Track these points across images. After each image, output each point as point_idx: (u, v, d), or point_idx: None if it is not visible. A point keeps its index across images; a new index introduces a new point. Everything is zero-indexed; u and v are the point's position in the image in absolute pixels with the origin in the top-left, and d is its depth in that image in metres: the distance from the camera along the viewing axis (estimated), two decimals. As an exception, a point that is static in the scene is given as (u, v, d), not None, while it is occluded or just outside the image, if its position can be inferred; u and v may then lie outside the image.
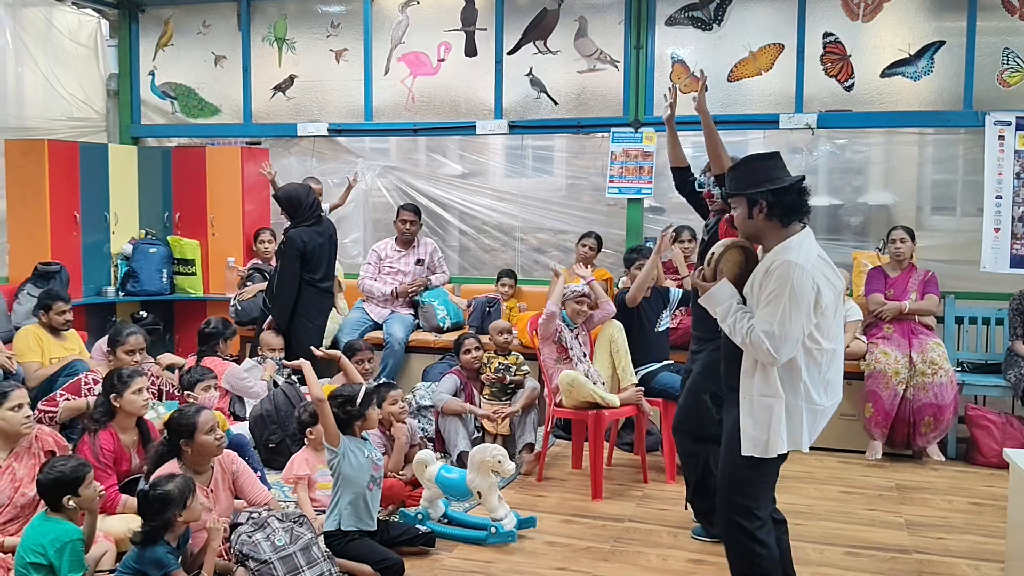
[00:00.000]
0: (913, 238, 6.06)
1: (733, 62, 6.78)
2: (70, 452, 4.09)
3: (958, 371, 5.90)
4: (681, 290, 5.76)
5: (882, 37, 6.52)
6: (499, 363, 5.71)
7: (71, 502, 3.39)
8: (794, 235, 3.16)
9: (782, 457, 3.21)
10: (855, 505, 4.93)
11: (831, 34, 6.58)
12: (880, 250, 6.38)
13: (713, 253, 3.28)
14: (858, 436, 5.86)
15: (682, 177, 4.76)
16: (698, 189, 4.57)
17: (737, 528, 3.28)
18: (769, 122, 6.67)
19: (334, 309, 6.64)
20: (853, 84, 6.58)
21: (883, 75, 6.53)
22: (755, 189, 3.18)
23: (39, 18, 7.51)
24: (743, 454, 3.19)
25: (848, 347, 5.86)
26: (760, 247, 3.29)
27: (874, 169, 6.85)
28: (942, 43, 6.39)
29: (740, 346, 3.16)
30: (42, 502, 3.62)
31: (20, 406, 3.86)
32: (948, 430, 5.77)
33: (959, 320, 6.26)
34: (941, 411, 5.65)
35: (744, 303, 3.21)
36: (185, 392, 5.02)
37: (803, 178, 3.23)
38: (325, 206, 6.81)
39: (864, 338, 5.95)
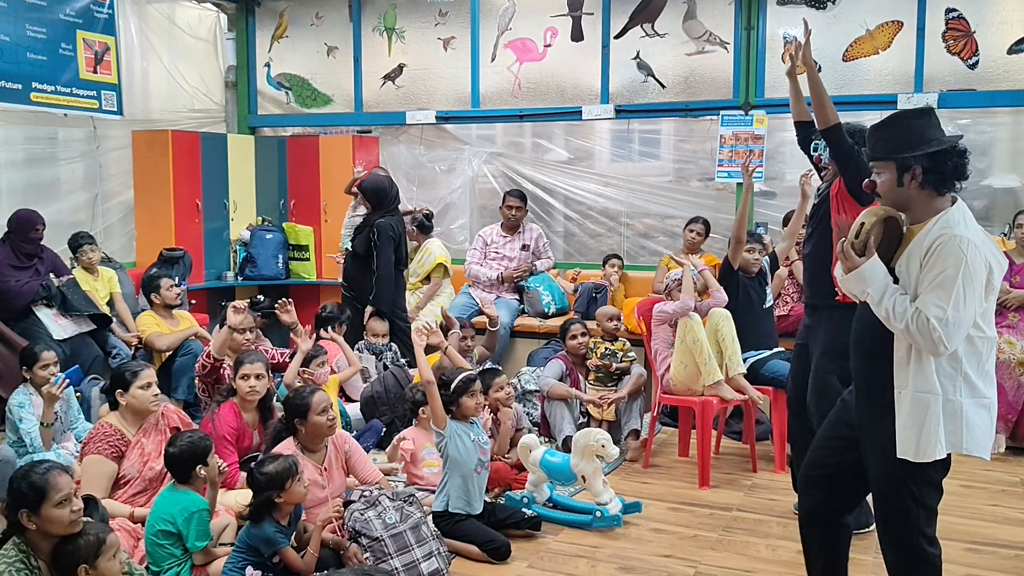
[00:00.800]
0: (1045, 221, 5.77)
1: (849, 41, 6.56)
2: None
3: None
4: (768, 258, 5.60)
5: (1010, 11, 6.20)
6: (605, 348, 5.70)
7: (202, 471, 3.55)
8: (951, 207, 2.80)
9: (945, 467, 2.85)
10: (976, 500, 4.74)
11: (954, 9, 6.30)
12: (1005, 235, 6.09)
13: (863, 224, 2.83)
14: (980, 429, 5.62)
15: (805, 132, 4.52)
16: (812, 152, 4.41)
17: (912, 554, 2.94)
18: (887, 103, 6.42)
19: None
20: (977, 61, 6.28)
21: (1010, 51, 6.21)
22: (909, 152, 2.79)
23: (162, 14, 7.84)
24: (898, 455, 2.82)
25: (970, 336, 5.64)
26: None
27: (999, 150, 6.53)
28: (1077, 16, 6.05)
29: (898, 333, 2.77)
30: (168, 475, 3.82)
31: (149, 385, 4.06)
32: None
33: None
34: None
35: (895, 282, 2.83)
36: (301, 368, 5.17)
37: (961, 137, 2.87)
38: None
39: (987, 327, 5.70)
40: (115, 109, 7.00)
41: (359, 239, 6.27)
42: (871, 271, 2.80)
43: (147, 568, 3.42)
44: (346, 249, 6.72)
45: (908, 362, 2.80)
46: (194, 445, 3.59)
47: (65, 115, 6.69)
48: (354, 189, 6.75)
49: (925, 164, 2.78)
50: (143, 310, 6.59)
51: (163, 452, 3.71)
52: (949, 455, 2.80)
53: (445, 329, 5.63)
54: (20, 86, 6.29)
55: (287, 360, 5.27)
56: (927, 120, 2.87)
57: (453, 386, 4.10)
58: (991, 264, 2.73)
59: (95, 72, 6.81)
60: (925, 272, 2.74)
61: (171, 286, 5.91)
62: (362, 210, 6.74)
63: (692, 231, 6.61)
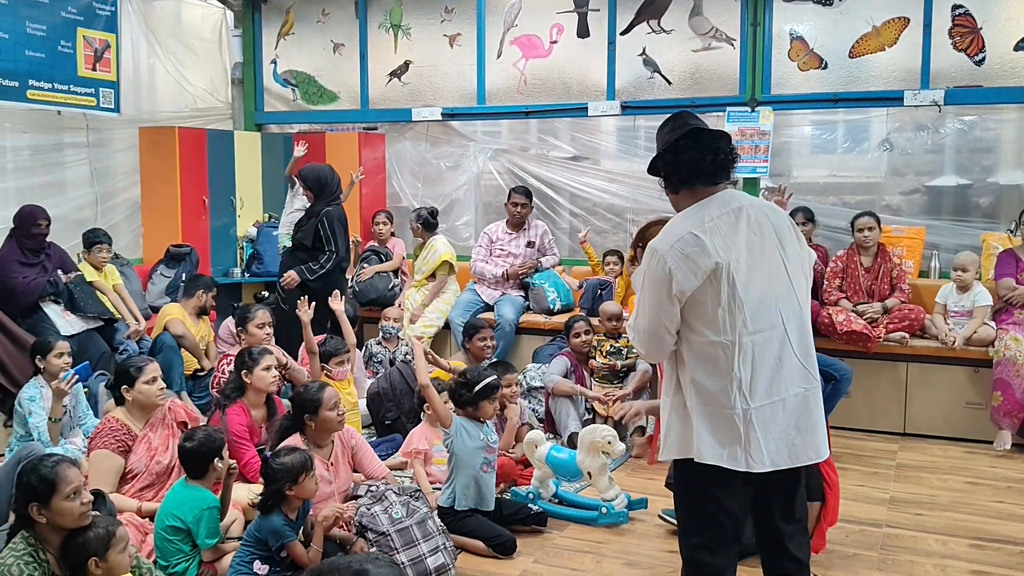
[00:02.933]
0: (1047, 219, 5.76)
1: (855, 38, 6.55)
2: (202, 423, 4.32)
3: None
4: None
5: (1016, 8, 6.18)
6: (610, 346, 5.71)
7: (219, 463, 3.57)
8: (690, 206, 2.75)
9: (719, 480, 2.67)
10: (982, 496, 4.74)
11: (960, 6, 6.28)
12: (1012, 232, 6.08)
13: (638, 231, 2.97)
14: (985, 425, 5.62)
15: None
16: None
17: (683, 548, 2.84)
18: (893, 99, 6.42)
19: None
20: (984, 58, 6.27)
21: (1017, 48, 6.19)
22: (654, 166, 2.88)
23: (168, 12, 7.85)
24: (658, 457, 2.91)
25: (976, 333, 5.64)
26: None
27: (1006, 147, 6.52)
28: (1084, 12, 6.03)
29: None
30: (176, 470, 3.84)
31: (154, 379, 4.09)
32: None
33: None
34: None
35: None
36: (320, 365, 5.17)
37: (694, 130, 2.79)
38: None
39: (993, 324, 5.70)
40: (112, 107, 7.01)
41: (304, 231, 6.11)
42: (634, 281, 2.88)
43: (155, 562, 3.44)
44: (284, 247, 6.60)
45: (665, 368, 2.86)
46: (210, 439, 3.63)
47: (59, 112, 6.69)
48: (294, 176, 6.69)
49: (661, 169, 2.83)
50: (152, 306, 6.64)
51: (178, 447, 3.73)
52: (718, 467, 2.66)
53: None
54: (17, 83, 6.29)
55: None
56: (670, 127, 2.88)
57: (477, 389, 4.11)
58: (671, 270, 2.62)
59: (94, 70, 6.82)
60: None
61: (216, 295, 6.05)
62: (298, 204, 6.71)
63: (697, 228, 6.60)
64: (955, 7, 6.30)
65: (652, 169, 2.91)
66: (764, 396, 2.66)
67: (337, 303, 5.28)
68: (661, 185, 2.89)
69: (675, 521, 4.08)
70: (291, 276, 5.92)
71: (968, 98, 6.31)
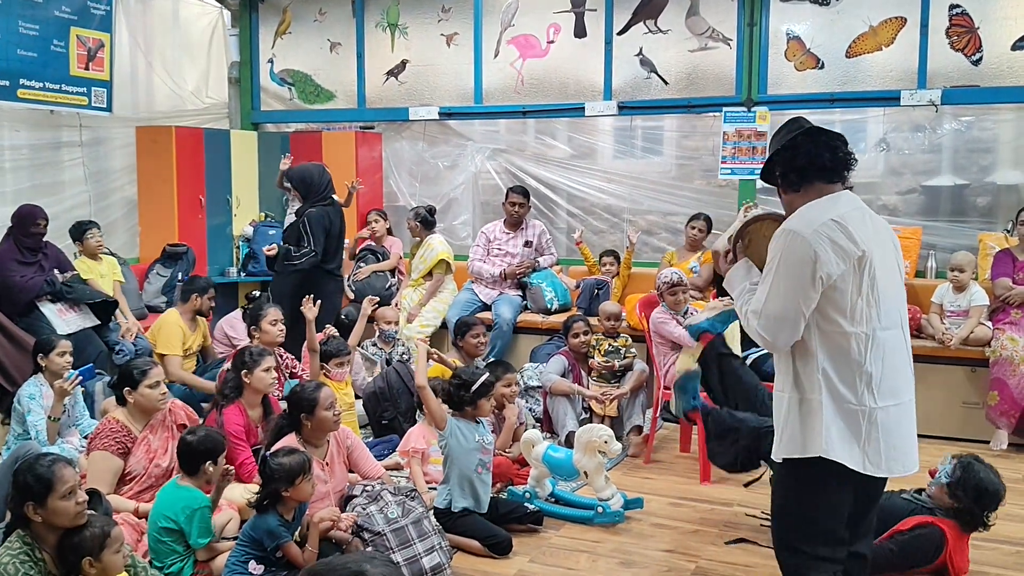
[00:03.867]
0: (1043, 218, 5.76)
1: (852, 37, 6.55)
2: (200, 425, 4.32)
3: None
4: None
5: (1014, 7, 6.19)
6: (608, 345, 5.71)
7: (210, 467, 3.57)
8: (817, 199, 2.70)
9: (834, 481, 2.62)
10: (978, 496, 4.74)
11: (957, 5, 6.29)
12: (1008, 232, 6.09)
13: (733, 227, 2.89)
14: (982, 425, 5.63)
15: None
16: None
17: (789, 555, 2.78)
18: (890, 99, 6.43)
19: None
20: (981, 58, 6.27)
21: (1014, 47, 6.20)
22: (769, 168, 2.82)
23: (165, 11, 7.85)
24: (771, 455, 2.78)
25: (972, 333, 5.64)
26: None
27: (1003, 147, 6.52)
28: (1080, 12, 6.04)
29: (749, 333, 2.76)
30: (174, 472, 3.84)
31: (157, 383, 4.08)
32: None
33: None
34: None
35: None
36: (320, 364, 5.16)
37: (811, 128, 2.77)
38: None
39: (990, 323, 5.70)
40: (104, 106, 6.99)
41: (289, 231, 6.08)
42: (734, 275, 2.86)
43: (150, 563, 3.44)
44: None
45: (778, 362, 2.76)
46: (211, 439, 3.64)
47: (51, 111, 6.68)
48: (285, 184, 6.65)
49: (780, 170, 2.77)
50: (148, 306, 6.63)
51: (179, 440, 3.73)
52: (849, 470, 2.60)
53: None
54: (8, 83, 6.27)
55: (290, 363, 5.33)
56: (786, 130, 2.84)
57: (474, 388, 4.11)
58: (817, 253, 2.54)
59: (87, 69, 6.80)
60: None
61: (213, 296, 5.91)
62: (294, 208, 6.67)
63: (694, 228, 6.62)
64: (952, 7, 6.30)
65: (766, 174, 2.86)
66: (889, 397, 2.62)
67: (309, 310, 5.17)
68: (779, 189, 2.82)
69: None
70: (272, 247, 5.86)
71: (965, 98, 6.32)
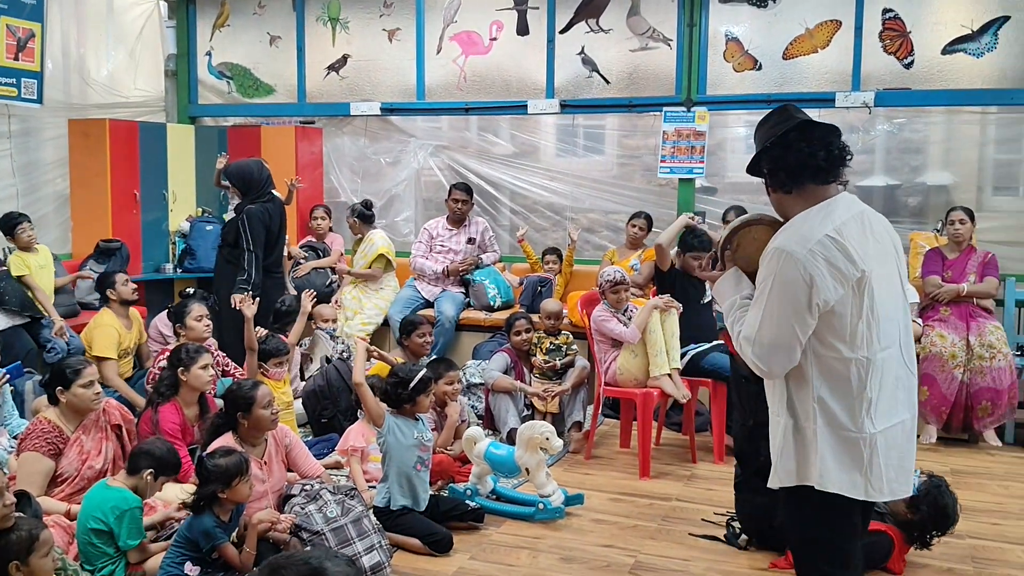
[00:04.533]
0: (973, 219, 5.92)
1: (789, 39, 6.67)
2: (134, 424, 4.24)
3: (1017, 355, 5.76)
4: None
5: (944, 13, 6.36)
6: (550, 343, 5.74)
7: (149, 477, 3.51)
8: (815, 205, 2.49)
9: (839, 508, 2.51)
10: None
11: (890, 10, 6.44)
12: (938, 231, 6.26)
13: (722, 233, 2.68)
14: (912, 420, 5.77)
15: None
16: None
17: None
18: (825, 100, 6.55)
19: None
20: (913, 61, 6.43)
21: (944, 52, 6.37)
22: (756, 162, 2.60)
23: (100, 1, 7.65)
24: (768, 484, 2.63)
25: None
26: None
27: (933, 149, 6.71)
28: (1007, 18, 6.21)
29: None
30: (109, 474, 3.76)
31: (91, 383, 3.97)
32: (1006, 415, 5.66)
33: (1020, 303, 6.11)
34: (999, 396, 5.55)
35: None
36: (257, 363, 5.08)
37: (806, 122, 2.54)
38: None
39: (920, 321, 5.85)
40: (35, 97, 6.79)
41: (227, 228, 5.95)
42: (722, 285, 2.67)
43: (81, 566, 3.36)
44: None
45: (772, 386, 2.61)
46: (170, 455, 3.60)
47: (7, 106, 6.49)
48: (224, 182, 6.51)
49: (767, 165, 2.56)
50: (80, 303, 6.47)
51: (151, 440, 3.73)
52: (838, 495, 2.49)
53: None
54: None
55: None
56: (776, 118, 2.61)
57: (412, 385, 4.08)
58: (813, 277, 2.37)
59: (16, 59, 6.60)
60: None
61: (126, 281, 5.76)
62: (236, 202, 6.55)
63: (635, 226, 6.68)
64: (885, 11, 6.45)
65: (753, 167, 2.64)
66: (885, 419, 2.48)
67: (247, 307, 5.07)
68: (767, 186, 2.62)
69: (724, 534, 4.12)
70: (235, 300, 5.40)
71: (897, 100, 6.48)
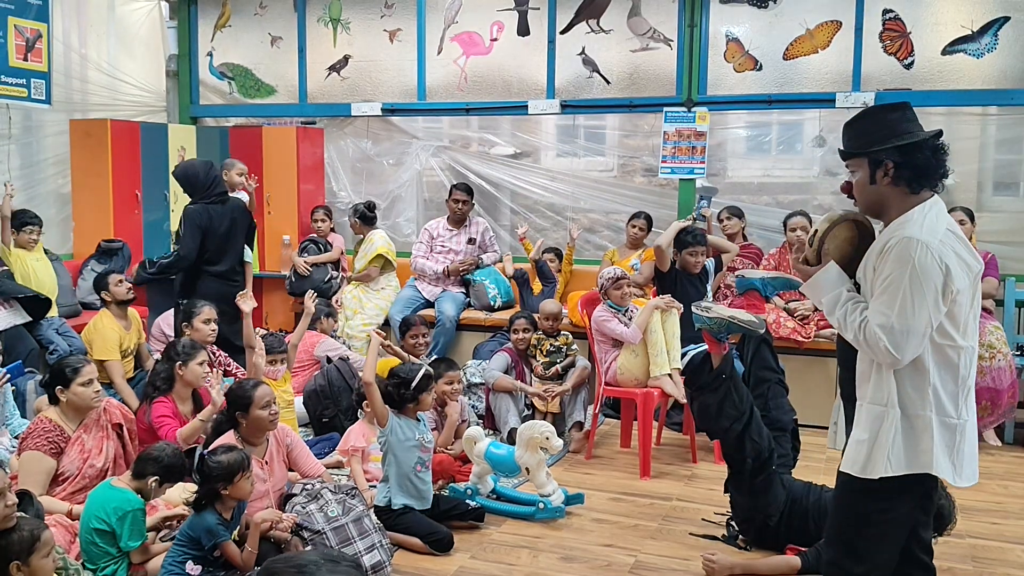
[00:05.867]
0: (972, 219, 5.93)
1: (789, 40, 6.68)
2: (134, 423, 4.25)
3: (1017, 355, 5.77)
4: (714, 260, 5.89)
5: (944, 13, 6.37)
6: (549, 345, 5.75)
7: (153, 484, 3.52)
8: (919, 204, 2.60)
9: (911, 491, 2.62)
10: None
11: (890, 11, 6.44)
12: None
13: (816, 230, 2.75)
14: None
15: None
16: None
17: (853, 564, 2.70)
18: (825, 101, 6.57)
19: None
20: (913, 62, 6.44)
21: (944, 52, 6.38)
22: (880, 146, 2.62)
23: (102, 1, 7.67)
24: (840, 468, 2.69)
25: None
26: (883, 222, 2.71)
27: (933, 149, 6.70)
28: (1007, 19, 6.23)
29: (854, 344, 2.63)
30: (110, 473, 3.77)
31: (90, 381, 3.98)
32: (1006, 415, 5.67)
33: (1020, 303, 6.12)
34: (999, 395, 5.56)
35: (858, 290, 2.69)
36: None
37: (940, 133, 2.67)
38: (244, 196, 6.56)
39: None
40: (44, 98, 6.80)
41: (179, 229, 5.85)
42: (823, 279, 2.70)
43: (83, 566, 3.37)
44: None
45: (869, 374, 2.65)
46: (179, 461, 3.59)
47: (7, 105, 6.50)
48: None
49: (896, 158, 2.61)
50: (81, 303, 6.49)
51: (159, 444, 3.71)
52: (928, 480, 2.61)
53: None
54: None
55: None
56: (901, 114, 2.69)
57: (414, 383, 4.09)
58: (948, 266, 2.50)
59: (25, 60, 6.62)
60: (875, 277, 2.59)
61: (119, 281, 5.76)
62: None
63: (635, 226, 6.69)
64: (885, 11, 6.46)
65: (859, 153, 2.69)
66: (972, 408, 2.64)
67: (245, 303, 5.03)
68: (881, 173, 2.64)
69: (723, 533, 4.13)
70: (239, 297, 5.31)
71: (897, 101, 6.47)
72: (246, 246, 6.06)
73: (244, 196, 6.39)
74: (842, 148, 2.76)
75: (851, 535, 2.71)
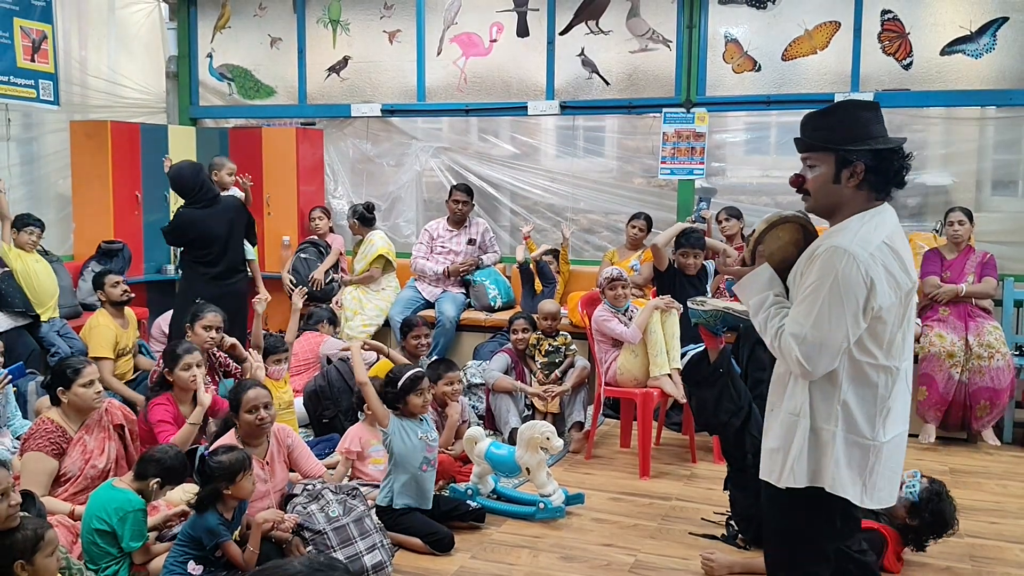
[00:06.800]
0: (971, 220, 5.95)
1: (788, 40, 6.69)
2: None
3: (1016, 355, 5.79)
4: (713, 262, 5.90)
5: (942, 14, 6.38)
6: (548, 345, 5.76)
7: (155, 486, 3.53)
8: (864, 211, 2.52)
9: (827, 504, 2.55)
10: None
11: (889, 11, 6.46)
12: (937, 231, 6.27)
13: (755, 230, 2.66)
14: (911, 419, 5.77)
15: None
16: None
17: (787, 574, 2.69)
18: (824, 101, 6.53)
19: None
20: (911, 62, 6.46)
21: (943, 53, 6.39)
22: (854, 145, 2.48)
23: (102, 3, 7.68)
24: (759, 476, 2.65)
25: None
26: (829, 223, 2.62)
27: (932, 149, 6.72)
28: (1005, 19, 6.24)
29: (771, 350, 2.56)
30: (112, 474, 3.78)
31: (91, 382, 3.99)
32: (1004, 414, 5.69)
33: (1018, 303, 6.13)
34: (997, 395, 5.57)
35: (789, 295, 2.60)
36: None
37: (904, 140, 2.57)
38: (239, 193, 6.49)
39: (919, 321, 5.88)
40: (52, 99, 6.83)
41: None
42: (753, 281, 2.63)
43: (85, 565, 3.38)
44: None
45: (786, 381, 2.59)
46: (180, 460, 3.59)
47: (7, 105, 6.52)
48: None
49: (869, 162, 2.49)
50: (82, 304, 6.50)
51: (161, 447, 3.73)
52: (844, 501, 2.54)
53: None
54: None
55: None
56: (874, 114, 2.57)
57: (400, 384, 4.10)
58: (873, 280, 2.39)
59: (32, 61, 6.63)
60: (800, 284, 2.50)
61: (116, 283, 5.76)
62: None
63: (634, 227, 6.70)
64: (884, 12, 6.47)
65: (812, 145, 2.58)
66: (893, 429, 2.54)
67: (259, 303, 5.06)
68: (847, 174, 2.53)
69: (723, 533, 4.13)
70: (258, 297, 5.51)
71: (897, 101, 6.48)
72: (247, 243, 6.08)
73: (239, 193, 6.38)
74: (803, 138, 2.60)
75: (777, 543, 2.73)
